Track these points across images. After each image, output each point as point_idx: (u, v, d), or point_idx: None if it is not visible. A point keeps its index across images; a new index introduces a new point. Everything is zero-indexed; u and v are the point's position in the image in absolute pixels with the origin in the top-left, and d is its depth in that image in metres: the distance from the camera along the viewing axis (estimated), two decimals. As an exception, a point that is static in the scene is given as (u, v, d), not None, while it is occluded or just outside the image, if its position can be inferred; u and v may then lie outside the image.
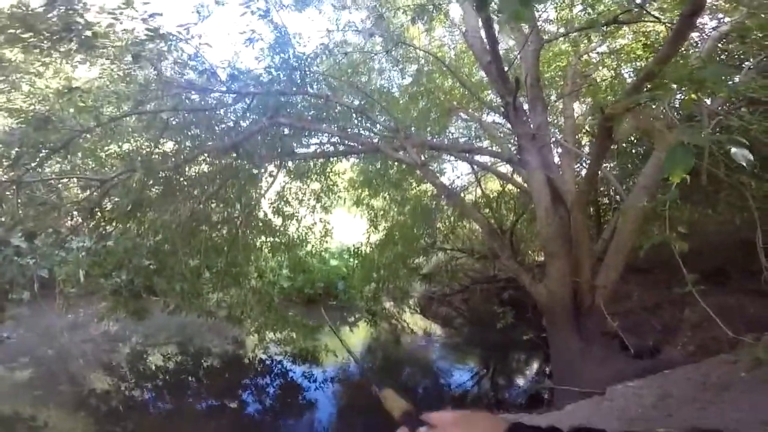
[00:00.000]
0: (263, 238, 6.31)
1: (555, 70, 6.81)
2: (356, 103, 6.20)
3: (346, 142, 5.69)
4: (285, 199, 6.85)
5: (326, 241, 7.63)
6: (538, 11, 5.81)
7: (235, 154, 4.75)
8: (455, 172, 9.05)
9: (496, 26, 4.77)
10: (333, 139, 5.91)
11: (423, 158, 5.94)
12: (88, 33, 3.53)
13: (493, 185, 8.74)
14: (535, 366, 6.95)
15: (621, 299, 6.09)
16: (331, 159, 6.93)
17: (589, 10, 5.54)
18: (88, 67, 4.74)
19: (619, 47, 6.33)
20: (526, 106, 5.19)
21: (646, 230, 5.10)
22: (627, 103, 2.96)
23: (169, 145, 5.12)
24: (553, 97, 6.85)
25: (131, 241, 4.80)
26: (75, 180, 5.17)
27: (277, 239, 6.49)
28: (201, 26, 7.67)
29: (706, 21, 5.06)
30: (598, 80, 6.38)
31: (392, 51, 7.17)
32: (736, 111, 3.41)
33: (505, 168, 7.11)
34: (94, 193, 4.65)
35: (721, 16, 4.76)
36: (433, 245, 8.23)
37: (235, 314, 5.83)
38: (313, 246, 7.56)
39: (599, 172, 4.73)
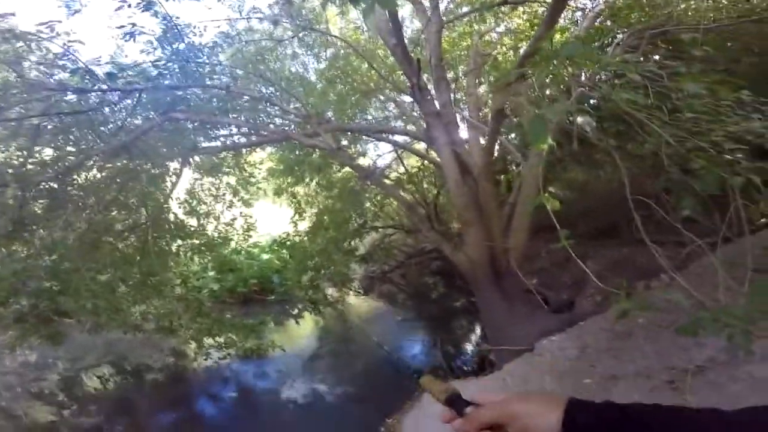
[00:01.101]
0: (179, 241, 5.92)
1: (460, 50, 7.04)
2: (265, 91, 5.94)
3: (257, 132, 5.46)
4: (197, 197, 6.44)
5: (250, 236, 7.35)
6: None
7: (128, 155, 4.33)
8: (377, 152, 9.11)
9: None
10: (242, 130, 5.64)
11: (343, 143, 5.92)
12: None
13: (415, 161, 8.96)
14: (475, 331, 7.41)
15: (534, 258, 6.65)
16: (244, 150, 6.62)
17: None
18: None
19: (514, 27, 6.68)
20: (432, 86, 5.35)
21: (547, 191, 5.59)
22: (505, 79, 3.18)
23: (47, 153, 4.53)
24: (459, 75, 7.11)
25: (21, 263, 4.29)
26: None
27: (195, 241, 6.12)
28: (72, 22, 6.76)
29: (587, 1, 5.52)
30: (498, 58, 6.73)
31: (305, 36, 6.94)
32: (604, 83, 3.78)
33: (422, 145, 7.31)
34: (-40, 216, 4.01)
35: None
36: (365, 225, 8.32)
37: (164, 325, 5.53)
38: (237, 243, 7.25)
39: (497, 143, 5.06)
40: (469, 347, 6.88)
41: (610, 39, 4.39)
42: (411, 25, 7.05)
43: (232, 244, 7.18)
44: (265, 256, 9.54)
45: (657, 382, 2.38)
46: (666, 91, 2.81)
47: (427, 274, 8.29)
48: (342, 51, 7.35)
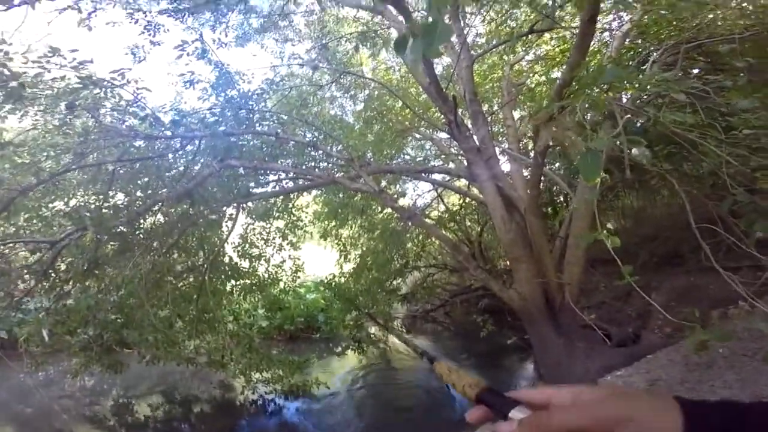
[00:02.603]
0: (232, 281, 6.22)
1: (491, 81, 7.18)
2: (309, 135, 6.31)
3: (303, 176, 5.76)
4: (249, 240, 6.80)
5: (298, 277, 7.58)
6: (467, 27, 6.20)
7: (189, 201, 4.72)
8: (416, 191, 9.25)
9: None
10: (290, 175, 5.98)
11: (382, 184, 6.07)
12: (14, 83, 3.39)
13: (456, 199, 8.95)
14: (529, 368, 6.96)
15: (591, 292, 6.27)
16: (291, 195, 6.98)
17: (510, 23, 5.95)
18: (19, 118, 4.41)
19: (543, 53, 6.76)
20: (469, 121, 5.44)
21: (601, 223, 5.33)
22: (546, 112, 3.18)
23: (119, 197, 5.05)
24: (495, 108, 7.19)
25: (93, 298, 4.72)
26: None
27: (247, 281, 6.41)
28: (137, 70, 7.65)
29: (610, 20, 5.51)
30: (532, 86, 6.76)
31: (340, 79, 7.38)
32: (648, 104, 3.68)
33: (462, 182, 7.33)
34: (45, 255, 4.51)
35: (623, 15, 5.16)
36: (407, 265, 8.31)
37: (215, 359, 5.69)
38: (285, 283, 7.48)
39: (543, 175, 4.96)
40: (516, 386, 6.41)
41: (643, 57, 4.32)
42: (440, 62, 7.32)
43: (281, 285, 7.41)
44: (311, 296, 9.72)
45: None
46: (715, 107, 2.70)
47: (474, 312, 7.99)
48: (377, 92, 7.67)
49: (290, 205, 7.30)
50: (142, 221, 5.02)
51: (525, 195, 5.12)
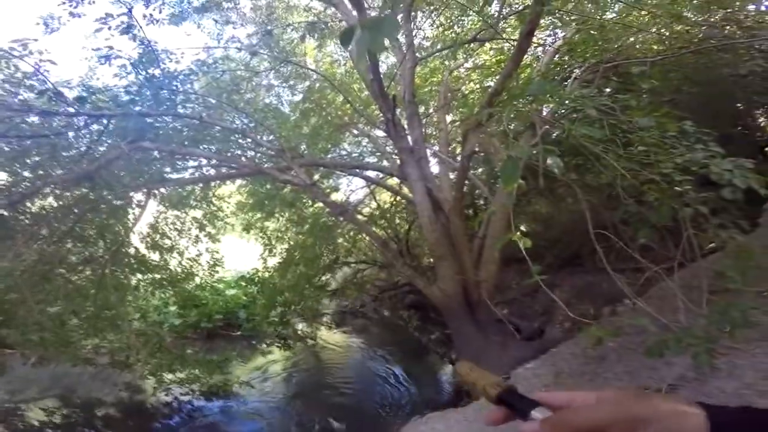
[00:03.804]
0: (139, 275, 5.61)
1: (430, 85, 7.39)
2: (238, 122, 5.92)
3: (227, 164, 5.40)
4: (160, 230, 6.19)
5: (216, 271, 7.07)
6: (416, 29, 6.30)
7: (90, 184, 4.15)
8: (350, 187, 9.21)
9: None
10: (212, 162, 5.57)
11: (315, 178, 5.92)
12: None
13: (387, 196, 9.09)
14: (451, 362, 7.26)
15: (505, 289, 6.75)
16: (212, 183, 6.50)
17: (456, 28, 6.18)
18: None
19: (481, 63, 7.13)
20: (405, 122, 5.54)
21: (515, 225, 5.77)
22: (475, 118, 3.37)
23: (1, 177, 4.28)
24: (430, 111, 7.43)
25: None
26: None
27: (156, 275, 5.82)
28: (48, 41, 6.69)
29: (545, 36, 5.96)
30: (467, 93, 7.09)
31: (280, 68, 7.06)
32: (564, 117, 4.06)
33: (394, 180, 7.45)
34: None
35: (558, 32, 5.61)
36: (337, 260, 8.23)
37: (119, 359, 5.23)
38: (202, 278, 6.94)
39: (467, 179, 5.24)
40: (441, 378, 6.72)
41: (567, 74, 4.74)
42: (386, 61, 7.38)
43: (197, 280, 6.85)
44: (231, 292, 9.15)
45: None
46: (619, 124, 3.05)
47: (401, 308, 8.19)
48: (318, 84, 7.47)
49: (210, 194, 6.78)
50: (29, 204, 4.31)
51: (450, 197, 5.37)
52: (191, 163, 5.59)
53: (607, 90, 3.96)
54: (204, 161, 5.63)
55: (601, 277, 5.33)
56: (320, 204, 7.94)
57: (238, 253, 8.87)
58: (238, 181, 7.39)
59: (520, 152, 2.26)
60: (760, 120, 5.27)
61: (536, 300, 6.42)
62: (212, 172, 5.70)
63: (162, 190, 5.47)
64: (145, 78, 4.54)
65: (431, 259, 8.56)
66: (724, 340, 1.95)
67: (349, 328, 9.73)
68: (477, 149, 5.09)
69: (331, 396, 6.34)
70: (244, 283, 8.82)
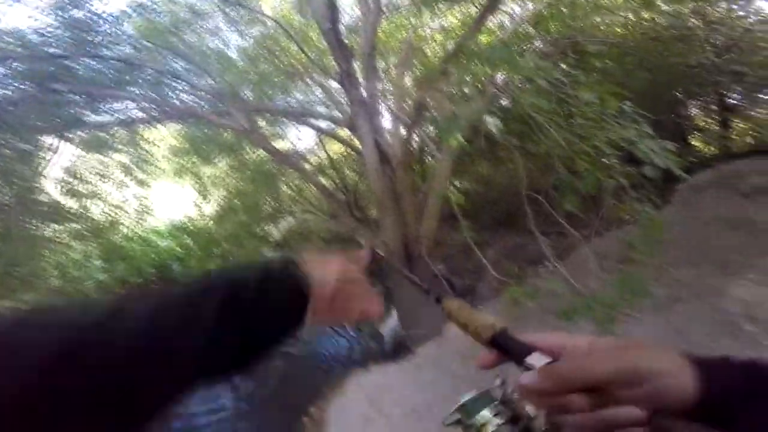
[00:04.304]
0: (54, 225, 5.04)
1: (395, 42, 7.06)
2: (176, 65, 5.34)
3: (158, 107, 4.89)
4: (79, 176, 5.53)
5: (145, 220, 6.56)
6: None
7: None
8: (298, 136, 8.77)
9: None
10: (140, 105, 5.02)
11: (261, 124, 5.55)
12: None
13: (338, 148, 8.83)
14: (392, 316, 7.52)
15: (443, 245, 7.05)
16: (140, 126, 5.87)
17: None
18: None
19: (448, 25, 6.87)
20: (361, 74, 5.32)
21: (458, 184, 5.98)
22: (429, 75, 3.31)
23: None
24: (390, 66, 7.17)
25: None
26: None
27: (75, 225, 5.27)
28: None
29: (515, 7, 5.85)
30: (429, 53, 6.89)
31: (230, 11, 6.34)
32: (516, 86, 4.11)
33: (346, 132, 7.23)
34: None
35: (530, 4, 5.51)
36: (280, 210, 8.00)
37: None
38: (128, 227, 6.42)
39: (415, 134, 5.24)
40: (387, 332, 7.00)
41: (528, 45, 4.75)
42: (351, 12, 6.88)
43: (123, 230, 6.33)
44: (164, 243, 8.60)
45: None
46: (566, 97, 3.15)
47: (347, 260, 8.27)
48: (272, 31, 6.89)
49: (138, 138, 6.11)
50: None
51: (399, 151, 5.36)
52: (117, 106, 4.98)
53: (563, 66, 4.04)
54: (132, 104, 5.08)
55: (530, 239, 5.75)
56: (264, 151, 7.57)
57: (172, 201, 8.24)
58: (174, 126, 6.72)
59: (462, 110, 2.28)
60: (692, 110, 5.74)
61: (470, 257, 6.77)
62: (142, 115, 5.14)
63: (80, 133, 4.83)
64: (64, 20, 3.89)
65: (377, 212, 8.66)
66: (624, 307, 2.22)
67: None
68: (429, 106, 5.06)
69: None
70: (179, 234, 8.29)
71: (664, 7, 4.47)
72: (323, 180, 7.28)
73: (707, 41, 4.30)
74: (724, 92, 4.92)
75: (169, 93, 5.09)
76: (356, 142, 6.22)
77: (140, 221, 6.55)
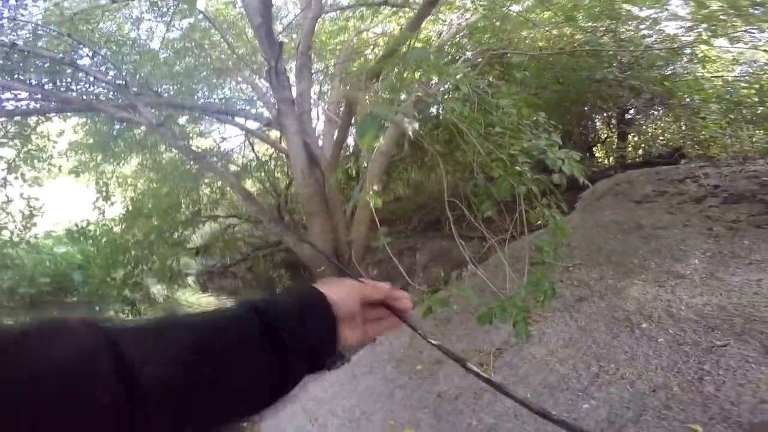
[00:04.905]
0: None
1: (336, 44, 6.93)
2: (83, 54, 4.78)
3: (52, 99, 4.34)
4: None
5: (34, 223, 5.69)
6: None
7: None
8: (222, 134, 8.24)
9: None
10: (30, 95, 4.41)
11: (182, 120, 5.12)
12: None
13: (268, 149, 8.44)
14: None
15: (375, 250, 7.01)
16: (30, 119, 5.16)
17: None
18: None
19: (390, 30, 6.91)
20: (293, 74, 5.15)
21: (388, 188, 5.98)
22: (358, 76, 3.26)
23: None
24: (330, 68, 7.05)
25: None
26: None
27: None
28: None
29: (453, 17, 6.01)
30: (369, 58, 6.86)
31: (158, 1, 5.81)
32: (444, 94, 4.19)
33: (276, 133, 6.95)
34: None
35: (468, 15, 5.68)
36: (199, 213, 7.41)
37: None
38: (14, 232, 5.52)
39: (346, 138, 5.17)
40: None
41: (460, 54, 4.89)
42: (292, 9, 6.65)
43: (7, 234, 5.42)
44: (61, 249, 7.52)
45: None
46: (488, 107, 3.26)
47: (274, 267, 7.89)
48: (203, 24, 6.45)
49: (28, 131, 5.30)
50: None
51: (329, 154, 5.24)
52: (6, 95, 4.32)
53: (489, 78, 4.22)
54: (23, 94, 4.48)
55: (454, 243, 5.92)
56: (175, 149, 6.97)
57: (70, 202, 7.27)
58: (76, 119, 5.96)
59: (380, 109, 2.22)
60: (597, 123, 6.29)
61: (402, 261, 6.82)
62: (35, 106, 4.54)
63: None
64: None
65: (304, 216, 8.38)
66: (537, 309, 2.29)
67: (219, 289, 9.10)
68: (356, 109, 5.01)
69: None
70: (79, 239, 7.32)
71: (584, 24, 4.86)
72: (249, 182, 6.91)
73: (615, 57, 4.73)
74: (624, 107, 5.44)
75: (70, 84, 4.55)
76: (284, 144, 6.00)
77: (28, 225, 5.63)
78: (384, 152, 4.90)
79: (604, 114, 6.01)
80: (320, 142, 5.41)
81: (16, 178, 5.29)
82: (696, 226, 3.39)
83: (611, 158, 5.89)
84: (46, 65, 4.44)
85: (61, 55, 4.52)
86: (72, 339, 0.30)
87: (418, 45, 5.21)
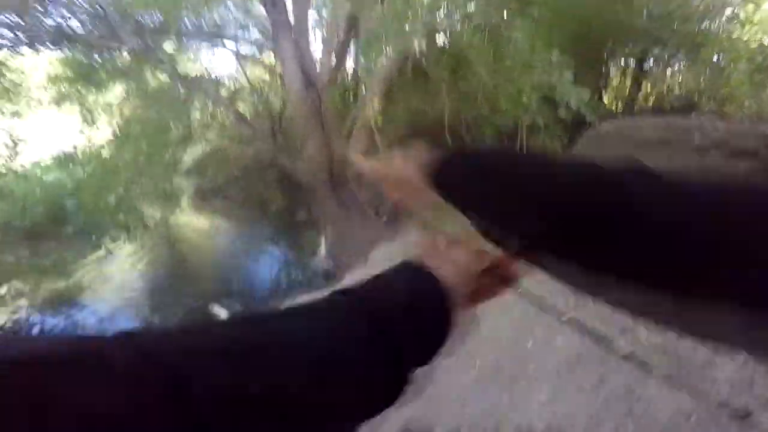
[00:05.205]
0: None
1: None
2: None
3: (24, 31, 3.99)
4: None
5: (17, 153, 5.49)
6: None
7: None
8: (212, 59, 7.88)
9: None
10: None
11: (168, 46, 4.81)
12: None
13: (263, 72, 7.99)
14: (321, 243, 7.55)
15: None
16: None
17: None
18: None
19: None
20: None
21: (387, 112, 5.95)
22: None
23: None
24: None
25: None
26: None
27: None
28: None
29: None
30: None
31: None
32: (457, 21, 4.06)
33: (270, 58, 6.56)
34: None
35: None
36: (190, 135, 7.22)
37: None
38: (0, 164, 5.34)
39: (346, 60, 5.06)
40: (310, 260, 7.01)
41: None
42: None
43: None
44: (50, 177, 7.28)
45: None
46: (500, 39, 3.30)
47: (270, 186, 7.97)
48: None
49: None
50: None
51: (326, 74, 5.12)
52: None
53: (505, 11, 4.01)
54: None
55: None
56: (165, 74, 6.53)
57: (54, 131, 6.86)
58: (54, 53, 5.43)
59: (389, 31, 2.33)
60: (612, 68, 5.97)
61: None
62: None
63: None
64: None
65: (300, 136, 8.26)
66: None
67: (213, 210, 9.19)
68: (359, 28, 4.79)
69: (201, 279, 6.22)
70: (67, 165, 7.06)
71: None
72: (245, 105, 6.68)
73: (646, 7, 4.48)
74: (643, 57, 5.31)
75: (40, 16, 4.12)
76: (279, 67, 5.73)
77: (12, 155, 5.44)
78: (385, 76, 4.86)
79: (621, 60, 5.84)
80: (317, 67, 5.23)
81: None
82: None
83: (620, 103, 5.85)
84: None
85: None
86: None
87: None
